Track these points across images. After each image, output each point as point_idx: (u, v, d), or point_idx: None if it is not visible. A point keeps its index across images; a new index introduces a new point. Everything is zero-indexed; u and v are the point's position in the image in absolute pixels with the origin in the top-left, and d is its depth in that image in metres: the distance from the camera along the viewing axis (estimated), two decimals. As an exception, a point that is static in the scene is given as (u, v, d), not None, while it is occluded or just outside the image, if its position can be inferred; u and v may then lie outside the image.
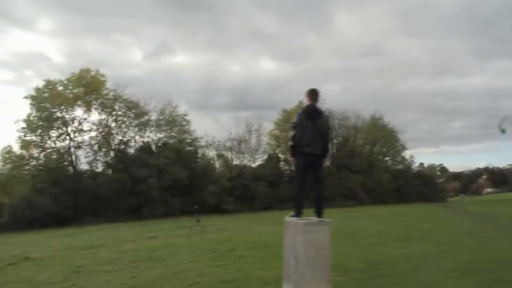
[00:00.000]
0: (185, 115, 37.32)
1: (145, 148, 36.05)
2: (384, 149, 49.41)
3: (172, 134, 36.90)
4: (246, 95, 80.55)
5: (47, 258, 11.58)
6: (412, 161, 51.37)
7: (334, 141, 43.16)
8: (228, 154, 40.93)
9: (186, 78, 79.45)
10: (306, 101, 6.00)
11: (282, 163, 42.09)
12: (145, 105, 35.71)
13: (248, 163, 41.60)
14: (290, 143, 5.96)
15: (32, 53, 77.81)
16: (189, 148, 37.00)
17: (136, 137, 36.06)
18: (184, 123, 37.24)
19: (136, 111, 35.02)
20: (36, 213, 28.59)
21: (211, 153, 39.95)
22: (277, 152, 42.69)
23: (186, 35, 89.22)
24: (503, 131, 24.02)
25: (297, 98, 43.79)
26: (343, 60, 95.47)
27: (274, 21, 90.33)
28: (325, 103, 40.30)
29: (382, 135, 46.99)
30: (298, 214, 5.79)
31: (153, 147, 36.35)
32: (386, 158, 50.11)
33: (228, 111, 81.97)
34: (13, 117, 61.25)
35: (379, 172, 44.10)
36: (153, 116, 36.60)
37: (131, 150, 35.51)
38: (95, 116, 34.42)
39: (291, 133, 5.92)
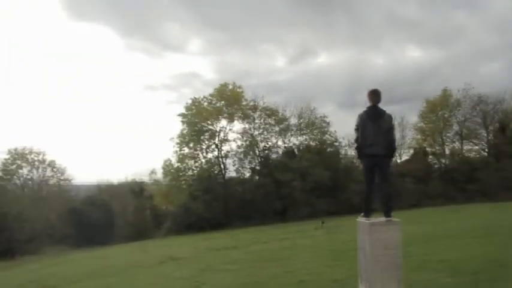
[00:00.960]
0: (325, 117, 37.50)
1: (288, 152, 37.21)
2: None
3: (313, 136, 37.34)
4: (393, 88, 76.37)
5: (187, 258, 12.99)
6: None
7: (490, 128, 38.89)
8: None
9: (330, 78, 78.52)
10: (368, 103, 5.92)
11: (430, 157, 39.50)
12: (284, 111, 36.84)
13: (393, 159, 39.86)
14: (355, 145, 6.02)
15: (187, 73, 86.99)
16: (330, 149, 37.05)
17: (279, 142, 37.41)
18: (324, 124, 37.41)
19: (276, 118, 36.37)
20: (192, 219, 31.70)
21: (354, 152, 39.31)
22: (424, 145, 40.02)
23: (326, 35, 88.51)
24: None
25: (443, 85, 40.89)
26: (503, 35, 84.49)
27: (415, 4, 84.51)
28: (471, 89, 37.08)
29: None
30: (367, 214, 5.78)
31: (296, 150, 37.32)
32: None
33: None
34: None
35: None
36: (293, 121, 37.59)
37: (275, 155, 37.00)
38: (239, 125, 36.74)
39: (355, 135, 5.95)
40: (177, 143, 35.80)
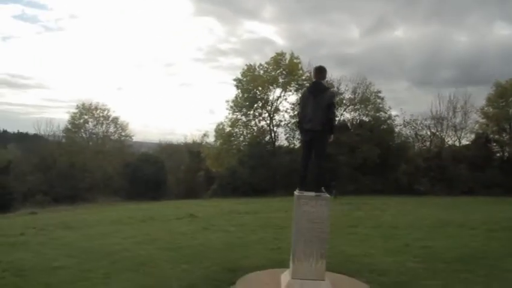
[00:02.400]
0: (378, 92, 36.42)
1: (341, 127, 36.83)
2: None
3: (366, 112, 36.57)
4: (476, 68, 71.20)
5: (203, 217, 13.85)
6: None
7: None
8: (427, 133, 38.22)
9: (406, 53, 74.54)
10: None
11: (494, 144, 37.29)
12: (339, 85, 36.26)
13: (451, 142, 38.12)
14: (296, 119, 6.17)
15: (258, 39, 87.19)
16: (383, 126, 36.13)
17: (332, 115, 36.90)
18: (379, 100, 36.41)
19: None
20: (237, 183, 32.56)
21: (408, 132, 38.05)
22: (488, 131, 37.76)
23: (406, 7, 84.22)
24: None
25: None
26: None
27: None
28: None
29: None
30: (301, 188, 5.85)
31: (348, 125, 36.78)
32: None
33: (453, 86, 75.19)
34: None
35: None
36: (347, 96, 36.96)
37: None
38: (293, 96, 36.74)
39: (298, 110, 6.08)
40: (231, 107, 36.58)
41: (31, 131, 49.35)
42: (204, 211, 16.36)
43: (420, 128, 37.62)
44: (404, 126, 37.21)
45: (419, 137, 38.20)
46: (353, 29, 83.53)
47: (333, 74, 35.77)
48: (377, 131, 34.97)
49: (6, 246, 8.48)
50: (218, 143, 37.52)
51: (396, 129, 37.07)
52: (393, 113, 36.81)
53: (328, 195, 5.70)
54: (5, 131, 68.24)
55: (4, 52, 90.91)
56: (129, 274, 6.34)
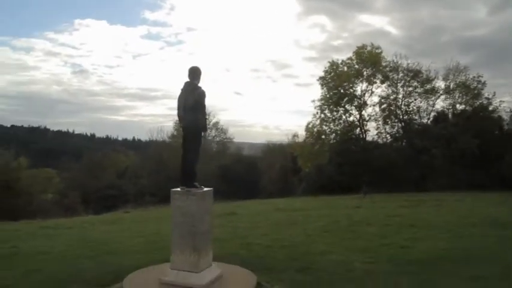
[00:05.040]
0: (479, 76, 33.15)
1: (433, 117, 34.51)
2: None
3: (463, 100, 33.62)
4: None
5: (240, 215, 14.52)
6: None
7: None
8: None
9: None
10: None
11: None
12: (428, 72, 33.97)
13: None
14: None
15: (372, 32, 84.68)
16: (482, 114, 32.81)
17: (423, 105, 34.84)
18: (479, 86, 33.15)
19: (419, 79, 33.83)
20: (324, 181, 32.35)
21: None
22: None
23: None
24: None
25: None
26: None
27: None
28: None
29: None
30: (182, 183, 6.07)
31: (441, 115, 34.24)
32: None
33: None
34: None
35: None
36: (439, 83, 34.47)
37: (417, 120, 34.68)
38: (379, 89, 35.40)
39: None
40: (318, 106, 36.42)
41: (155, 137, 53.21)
42: (244, 208, 17.06)
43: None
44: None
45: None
46: (479, 8, 74.97)
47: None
48: (476, 120, 31.91)
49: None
50: (308, 142, 37.54)
51: (505, 117, 33.30)
52: (505, 99, 33.17)
53: (200, 191, 5.88)
54: (139, 140, 76.37)
55: (135, 69, 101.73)
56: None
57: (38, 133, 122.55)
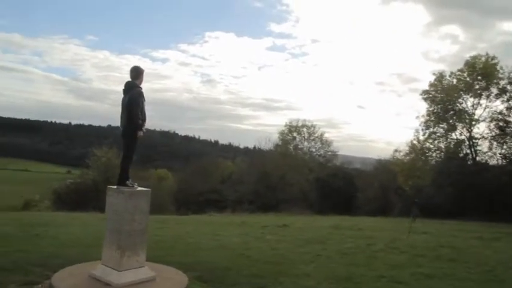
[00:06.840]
0: None
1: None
2: None
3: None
4: None
5: (291, 229, 14.80)
6: None
7: None
8: None
9: None
10: None
11: None
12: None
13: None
14: None
15: None
16: None
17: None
18: None
19: None
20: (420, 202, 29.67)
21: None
22: None
23: None
24: None
25: None
26: None
27: None
28: None
29: None
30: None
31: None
32: None
33: None
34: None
35: None
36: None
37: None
38: (495, 104, 31.59)
39: None
40: (422, 122, 33.84)
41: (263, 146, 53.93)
42: (298, 223, 16.61)
43: None
44: None
45: None
46: None
47: None
48: None
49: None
50: (410, 159, 34.98)
51: None
52: None
53: (131, 189, 5.92)
54: (259, 149, 78.77)
55: (260, 80, 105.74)
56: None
57: (168, 137, 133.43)
